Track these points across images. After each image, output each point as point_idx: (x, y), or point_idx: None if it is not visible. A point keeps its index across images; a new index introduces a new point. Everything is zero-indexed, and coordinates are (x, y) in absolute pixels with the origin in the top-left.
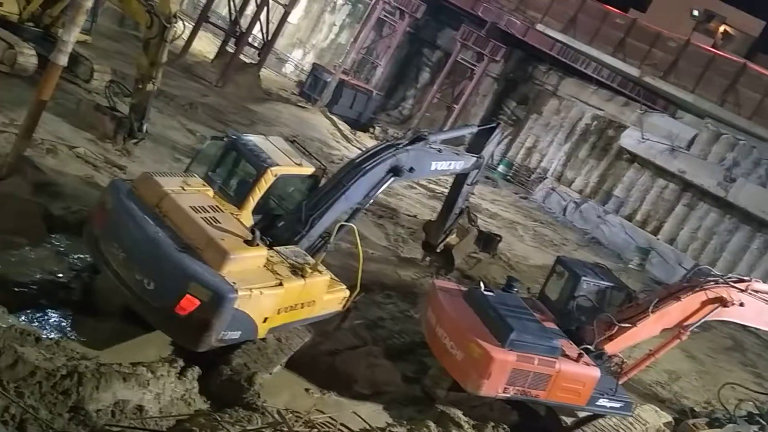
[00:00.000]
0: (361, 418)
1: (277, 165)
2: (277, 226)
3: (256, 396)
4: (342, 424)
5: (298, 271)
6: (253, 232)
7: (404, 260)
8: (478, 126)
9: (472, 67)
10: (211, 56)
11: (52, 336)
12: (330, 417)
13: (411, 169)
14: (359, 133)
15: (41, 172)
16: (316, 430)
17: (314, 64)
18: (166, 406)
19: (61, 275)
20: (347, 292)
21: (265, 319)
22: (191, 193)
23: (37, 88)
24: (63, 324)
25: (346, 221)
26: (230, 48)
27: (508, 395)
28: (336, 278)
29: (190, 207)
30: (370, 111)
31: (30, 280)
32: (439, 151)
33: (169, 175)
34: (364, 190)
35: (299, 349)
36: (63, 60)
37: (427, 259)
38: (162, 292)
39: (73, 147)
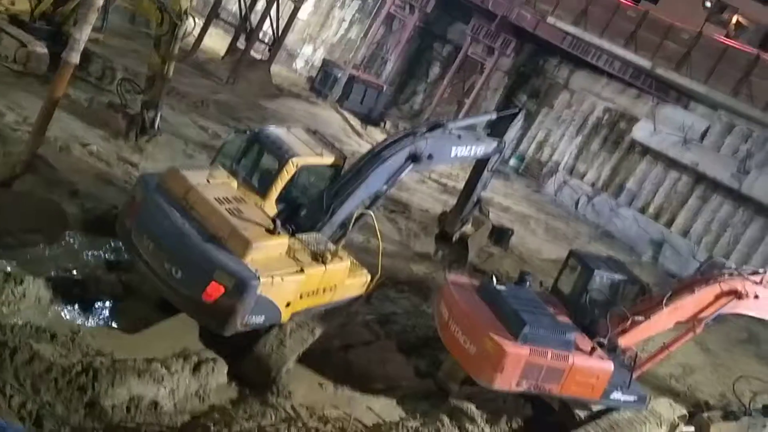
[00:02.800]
0: (375, 413)
1: (299, 155)
2: (300, 214)
3: (284, 379)
4: (355, 419)
5: (319, 257)
6: (274, 221)
7: (417, 255)
8: (498, 112)
9: (483, 61)
10: (222, 53)
11: (67, 332)
12: (344, 412)
13: (430, 156)
14: (370, 128)
15: (55, 169)
16: (330, 425)
17: (324, 59)
18: (180, 402)
19: (75, 272)
20: (369, 277)
21: (288, 304)
22: (216, 186)
23: (50, 86)
24: (79, 320)
25: (366, 208)
26: (241, 44)
27: (522, 389)
28: (357, 263)
29: (215, 198)
30: (380, 106)
31: (46, 277)
32: (459, 137)
33: (195, 169)
34: (383, 177)
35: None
36: (75, 58)
37: (440, 253)
38: (189, 280)
39: (86, 144)
